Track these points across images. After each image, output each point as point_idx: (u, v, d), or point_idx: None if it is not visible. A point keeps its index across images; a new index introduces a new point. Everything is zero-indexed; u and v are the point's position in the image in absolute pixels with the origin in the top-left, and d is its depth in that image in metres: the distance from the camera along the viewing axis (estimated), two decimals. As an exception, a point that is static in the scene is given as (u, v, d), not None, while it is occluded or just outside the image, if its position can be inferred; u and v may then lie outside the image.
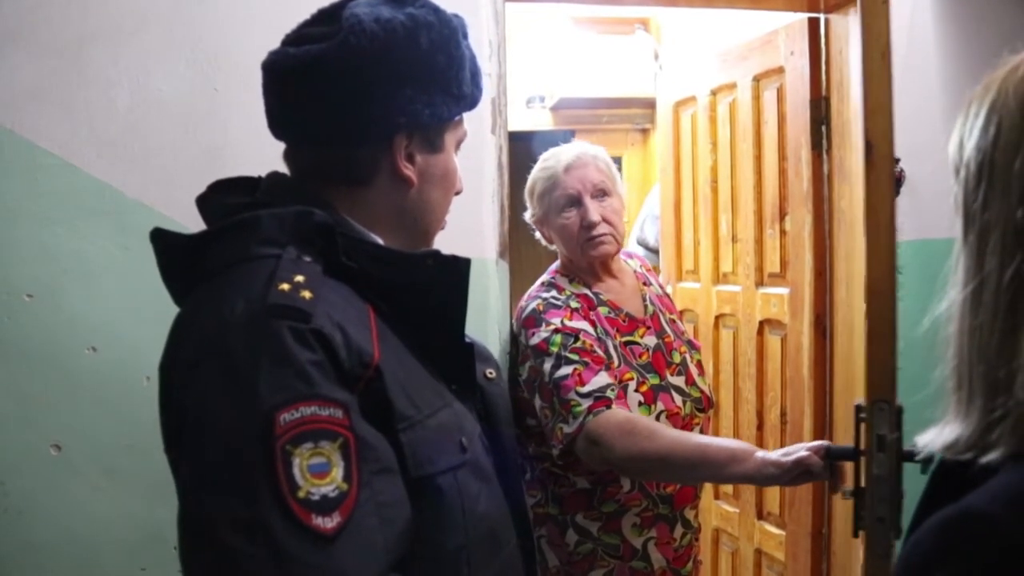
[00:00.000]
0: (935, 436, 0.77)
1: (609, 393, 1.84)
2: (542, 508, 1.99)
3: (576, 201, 2.02)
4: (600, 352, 1.92)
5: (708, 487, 3.07)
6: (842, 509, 2.61)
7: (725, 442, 1.86)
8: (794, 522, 2.77)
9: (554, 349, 1.89)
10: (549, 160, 2.09)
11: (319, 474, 0.90)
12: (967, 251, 0.75)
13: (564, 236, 2.05)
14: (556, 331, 1.92)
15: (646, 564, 1.96)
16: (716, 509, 3.15)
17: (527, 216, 2.15)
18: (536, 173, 2.11)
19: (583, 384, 1.84)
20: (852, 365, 2.53)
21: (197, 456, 0.94)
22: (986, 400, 0.72)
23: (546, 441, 1.94)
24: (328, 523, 0.89)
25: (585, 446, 1.81)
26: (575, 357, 1.88)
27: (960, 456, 0.73)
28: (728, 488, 3.10)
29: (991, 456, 0.70)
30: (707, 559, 3.15)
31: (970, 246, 0.75)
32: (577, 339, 1.91)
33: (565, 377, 1.85)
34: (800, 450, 1.69)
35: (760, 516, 2.95)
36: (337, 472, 0.91)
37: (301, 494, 0.89)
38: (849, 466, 1.63)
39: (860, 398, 1.66)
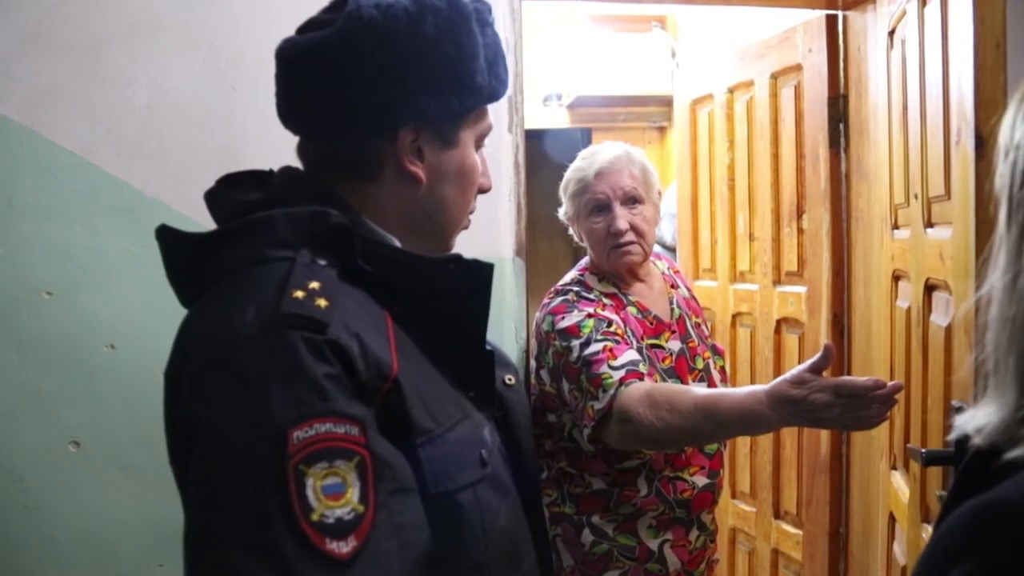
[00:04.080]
0: (969, 418, 0.75)
1: (641, 367, 1.80)
2: (557, 507, 1.98)
3: (605, 207, 1.99)
4: (633, 341, 1.90)
5: (726, 492, 3.06)
6: (860, 509, 2.60)
7: (735, 401, 1.65)
8: (811, 521, 2.76)
9: (586, 331, 1.86)
10: (583, 161, 2.05)
11: (334, 495, 0.86)
12: (1009, 239, 0.74)
13: (591, 241, 2.03)
14: (589, 316, 1.89)
15: (661, 566, 1.95)
16: (733, 508, 3.14)
17: (560, 213, 2.11)
18: (570, 172, 2.06)
19: (615, 358, 1.80)
20: (870, 364, 2.52)
21: (205, 474, 0.90)
22: (1018, 390, 0.71)
23: (564, 435, 1.93)
24: (343, 548, 0.85)
25: (619, 427, 1.74)
26: (606, 338, 1.84)
27: (989, 441, 0.72)
28: (745, 487, 3.09)
29: (1019, 451, 0.69)
30: (724, 559, 3.14)
31: (1012, 235, 0.73)
32: (610, 325, 1.88)
33: (596, 353, 1.81)
34: (819, 383, 1.51)
35: (777, 515, 2.94)
36: (353, 493, 0.87)
37: (315, 516, 0.84)
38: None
39: (958, 400, 1.63)
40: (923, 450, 1.63)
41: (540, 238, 2.06)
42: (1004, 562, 0.62)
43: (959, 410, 1.61)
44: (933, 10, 1.84)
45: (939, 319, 1.84)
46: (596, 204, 1.99)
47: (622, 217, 1.97)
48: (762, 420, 1.59)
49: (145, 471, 2.00)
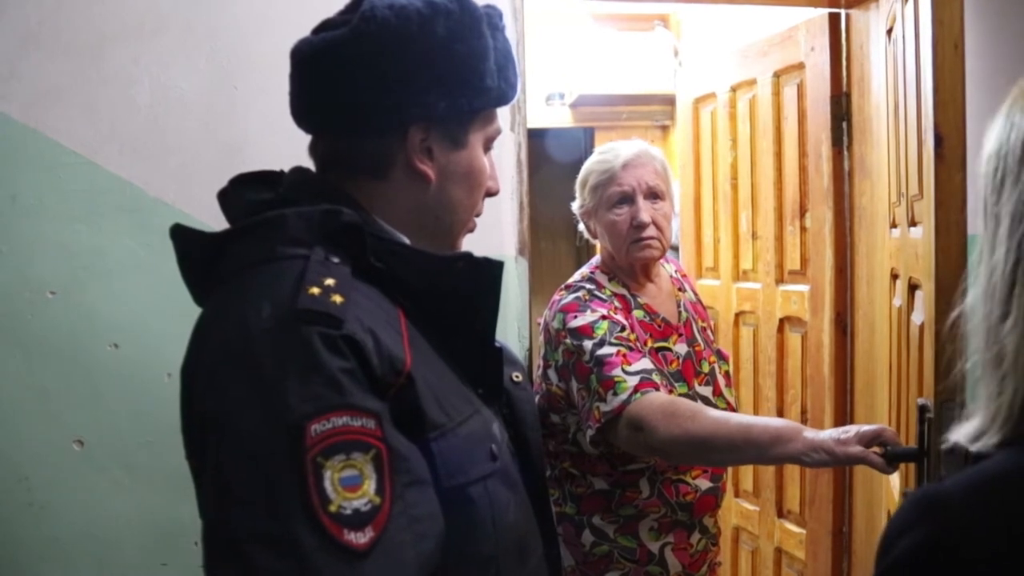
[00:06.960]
0: (965, 428, 0.80)
1: (655, 377, 1.80)
2: (559, 507, 1.97)
3: (629, 199, 1.98)
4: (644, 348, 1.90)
5: (729, 492, 3.05)
6: (863, 508, 2.60)
7: (770, 421, 1.80)
8: (815, 520, 2.75)
9: (599, 333, 1.85)
10: (607, 153, 2.03)
11: (351, 487, 0.87)
12: (986, 243, 0.77)
13: (611, 233, 2.00)
14: (603, 318, 1.88)
15: (662, 569, 1.94)
16: (736, 507, 3.14)
17: (574, 206, 2.10)
18: (591, 165, 2.04)
19: (629, 364, 1.79)
20: (872, 363, 2.52)
21: (223, 468, 0.90)
22: (991, 392, 0.76)
23: (568, 438, 1.93)
24: (360, 539, 0.86)
25: (627, 433, 1.75)
26: (620, 342, 1.84)
27: (973, 446, 0.78)
28: (748, 486, 3.08)
29: (986, 446, 0.76)
30: (727, 558, 3.14)
31: (987, 238, 0.77)
32: (623, 329, 1.88)
33: (610, 355, 1.80)
34: (855, 434, 1.60)
35: (780, 514, 2.93)
36: (369, 485, 0.88)
37: (332, 508, 0.86)
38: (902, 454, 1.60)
39: (923, 398, 1.62)
40: (885, 448, 1.62)
41: (542, 238, 2.05)
42: (932, 540, 0.72)
43: (923, 409, 1.61)
44: (909, 11, 1.84)
45: (916, 317, 1.83)
46: (621, 196, 1.98)
47: (645, 210, 1.97)
48: (794, 436, 1.64)
49: (148, 470, 2.01)
